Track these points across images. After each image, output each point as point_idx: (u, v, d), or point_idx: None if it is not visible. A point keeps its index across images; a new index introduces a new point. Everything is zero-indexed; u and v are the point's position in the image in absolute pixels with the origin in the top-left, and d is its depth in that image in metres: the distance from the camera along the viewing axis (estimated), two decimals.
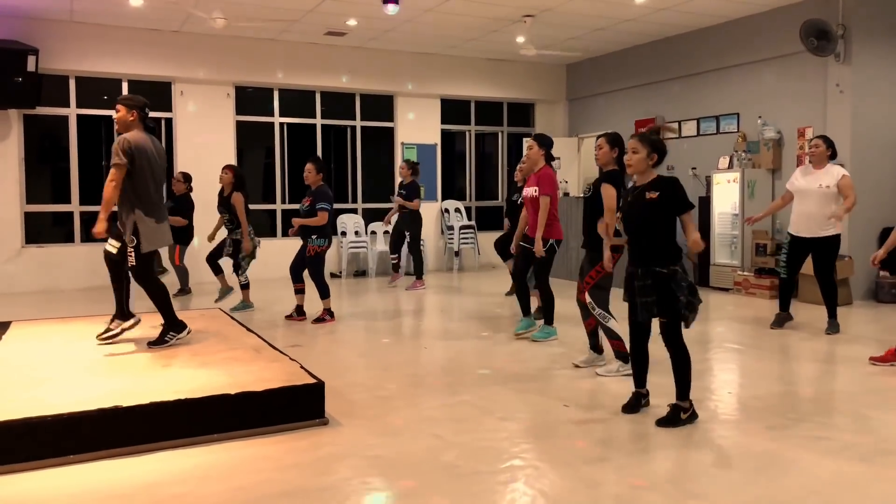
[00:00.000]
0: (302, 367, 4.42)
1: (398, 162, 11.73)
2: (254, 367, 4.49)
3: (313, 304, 7.28)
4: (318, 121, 11.42)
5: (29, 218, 9.81)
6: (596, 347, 5.32)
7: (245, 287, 7.87)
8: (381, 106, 11.83)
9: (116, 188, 4.95)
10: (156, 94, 10.35)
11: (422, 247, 10.20)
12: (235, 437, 3.78)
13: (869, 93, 8.42)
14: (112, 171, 4.95)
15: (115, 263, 5.34)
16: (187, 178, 9.15)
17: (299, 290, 7.22)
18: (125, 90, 10.10)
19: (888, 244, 5.50)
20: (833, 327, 6.53)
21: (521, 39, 10.26)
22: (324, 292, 7.09)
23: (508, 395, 4.67)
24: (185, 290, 9.07)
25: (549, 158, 6.26)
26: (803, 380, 5.21)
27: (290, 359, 4.66)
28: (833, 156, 6.54)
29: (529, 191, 6.18)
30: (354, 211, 11.74)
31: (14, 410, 3.51)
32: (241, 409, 3.85)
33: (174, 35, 10.16)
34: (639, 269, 3.99)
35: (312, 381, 4.12)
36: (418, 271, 9.75)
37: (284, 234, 11.05)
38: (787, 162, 9.19)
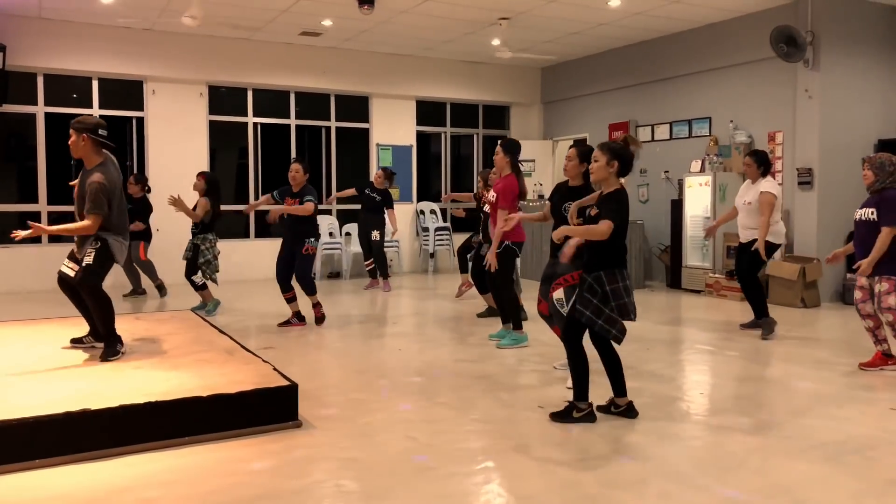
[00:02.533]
0: (275, 369, 4.38)
1: (374, 162, 11.71)
2: (226, 369, 4.44)
3: (304, 307, 7.22)
4: (293, 121, 11.35)
5: None
6: None
7: (202, 288, 7.71)
8: (356, 107, 11.80)
9: (89, 231, 4.79)
10: (127, 93, 10.23)
11: (397, 248, 10.16)
12: (207, 440, 3.73)
13: (837, 98, 8.58)
14: (92, 217, 4.75)
15: (71, 289, 5.08)
16: (140, 179, 9.00)
17: (291, 299, 7.01)
18: (95, 88, 9.95)
19: (846, 250, 5.69)
20: (766, 327, 6.55)
21: (496, 42, 10.29)
22: (310, 290, 6.95)
23: (483, 396, 4.67)
24: (138, 291, 9.03)
25: (516, 166, 6.13)
26: (774, 381, 5.28)
27: (263, 361, 4.61)
28: (765, 172, 6.70)
29: (489, 196, 6.19)
30: (329, 212, 11.68)
31: None
32: (212, 411, 3.81)
33: (146, 33, 10.02)
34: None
35: (286, 383, 4.09)
36: (384, 272, 9.80)
37: (259, 234, 10.98)
38: None
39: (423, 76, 11.97)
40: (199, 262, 7.55)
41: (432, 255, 11.89)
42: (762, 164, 6.72)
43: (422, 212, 12.18)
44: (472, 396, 4.65)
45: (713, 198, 9.34)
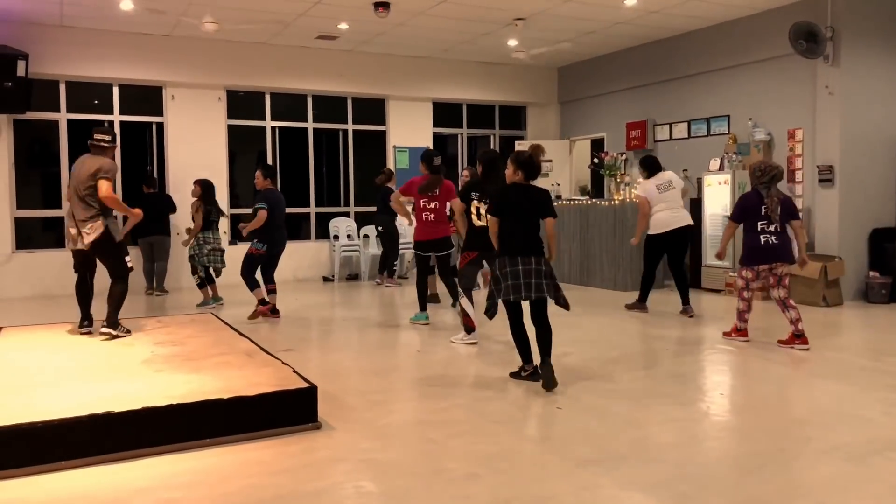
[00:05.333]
0: (294, 371, 4.41)
1: (391, 165, 11.75)
2: (246, 371, 4.48)
3: (285, 304, 7.32)
4: (310, 124, 11.41)
5: (19, 223, 9.77)
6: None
7: (200, 286, 8.51)
8: (373, 109, 11.84)
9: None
10: (147, 98, 10.35)
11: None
12: (228, 441, 3.77)
13: (858, 94, 8.47)
14: (109, 182, 5.82)
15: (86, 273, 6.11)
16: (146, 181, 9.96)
17: (271, 291, 7.57)
18: (116, 95, 10.08)
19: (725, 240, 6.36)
20: (689, 311, 7.64)
21: (512, 43, 10.28)
22: (251, 286, 7.42)
23: (501, 397, 4.67)
24: (156, 288, 9.77)
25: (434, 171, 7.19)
26: (794, 381, 5.23)
27: (283, 363, 4.65)
28: (648, 175, 7.85)
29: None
30: (347, 214, 11.73)
31: (5, 417, 3.49)
32: (233, 413, 3.84)
33: (165, 39, 10.14)
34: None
35: (305, 385, 4.12)
36: (382, 267, 10.54)
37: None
38: (778, 163, 9.19)
39: (440, 78, 11.99)
40: (195, 260, 8.38)
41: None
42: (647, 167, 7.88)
43: None
44: (490, 397, 4.66)
45: (732, 196, 9.25)
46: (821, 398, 4.68)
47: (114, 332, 5.78)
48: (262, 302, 7.46)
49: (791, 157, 9.06)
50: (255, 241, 7.41)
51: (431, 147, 12.11)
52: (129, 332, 5.88)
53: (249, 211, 10.95)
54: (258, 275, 7.50)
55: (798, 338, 5.97)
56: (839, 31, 8.35)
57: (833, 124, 8.48)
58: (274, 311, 7.55)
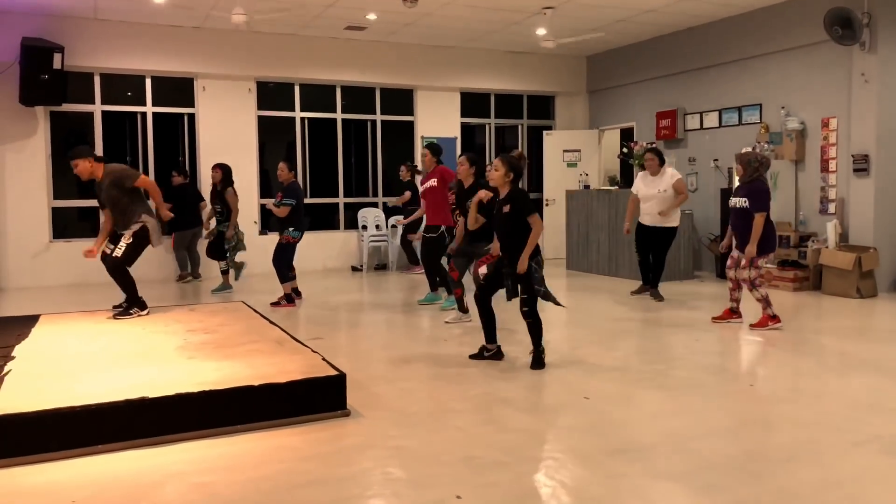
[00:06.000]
0: (324, 359, 4.47)
1: (418, 155, 11.76)
2: (276, 359, 4.54)
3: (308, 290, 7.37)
4: (339, 115, 11.47)
5: (56, 213, 9.98)
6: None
7: (224, 272, 8.74)
8: (401, 100, 11.86)
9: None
10: (178, 90, 10.48)
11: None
12: (259, 427, 3.84)
13: (895, 82, 8.28)
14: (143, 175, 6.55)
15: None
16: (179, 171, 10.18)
17: (291, 278, 7.78)
18: (149, 86, 10.22)
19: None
20: (656, 296, 7.97)
21: (541, 32, 10.22)
22: (283, 277, 7.61)
23: (530, 388, 4.69)
24: (193, 274, 10.03)
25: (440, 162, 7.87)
26: (825, 373, 5.17)
27: (313, 351, 4.71)
28: (662, 163, 8.08)
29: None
30: (375, 205, 11.79)
31: (45, 402, 3.59)
32: (264, 400, 3.91)
33: (196, 31, 10.25)
34: (507, 260, 5.08)
35: (334, 372, 4.17)
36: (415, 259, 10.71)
37: (311, 227, 11.13)
38: (811, 152, 9.08)
39: (468, 68, 11.96)
40: (226, 246, 8.56)
41: None
42: (661, 159, 8.11)
43: None
44: (517, 386, 4.67)
45: None
46: (852, 390, 4.62)
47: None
48: (288, 298, 7.65)
49: (825, 145, 8.90)
50: (291, 229, 7.56)
51: (458, 137, 12.13)
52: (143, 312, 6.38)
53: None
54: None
55: (734, 313, 6.61)
56: (876, 18, 8.17)
57: (869, 113, 8.31)
58: (290, 300, 7.74)
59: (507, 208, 5.04)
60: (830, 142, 8.82)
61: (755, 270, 6.27)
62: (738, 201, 6.39)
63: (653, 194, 7.92)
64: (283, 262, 7.63)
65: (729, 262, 6.54)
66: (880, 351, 5.62)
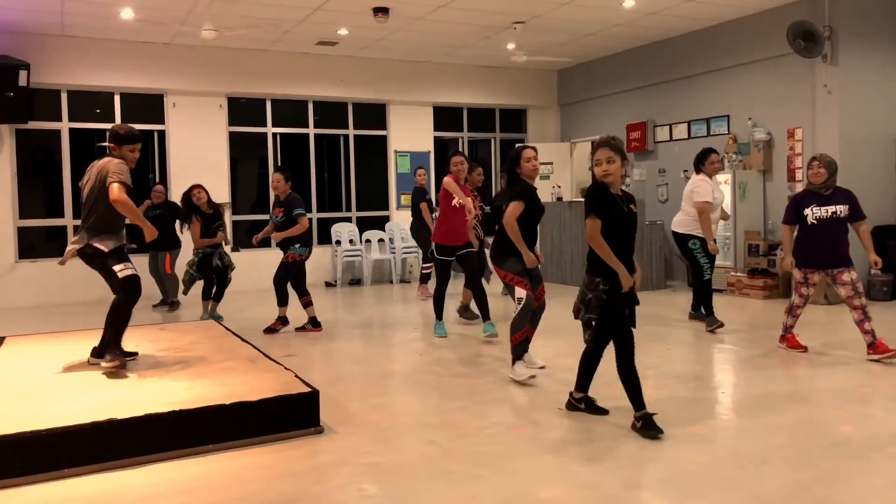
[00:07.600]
0: (297, 376, 4.43)
1: (392, 170, 11.79)
2: (248, 377, 4.49)
3: (295, 311, 7.29)
4: (311, 130, 11.45)
5: (22, 233, 9.81)
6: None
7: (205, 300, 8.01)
8: (373, 114, 11.87)
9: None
10: (148, 107, 10.39)
11: (416, 254, 10.23)
12: (231, 447, 3.78)
13: (856, 93, 8.48)
14: (121, 186, 4.69)
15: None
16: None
17: (307, 304, 7.19)
18: (117, 103, 10.12)
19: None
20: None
21: (511, 46, 10.30)
22: (282, 300, 7.07)
23: (503, 400, 4.68)
24: (168, 301, 9.04)
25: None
26: (793, 379, 5.23)
27: (285, 368, 4.66)
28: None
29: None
30: (348, 219, 11.76)
31: (8, 425, 3.51)
32: (236, 419, 3.86)
33: (165, 47, 10.18)
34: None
35: (307, 389, 4.13)
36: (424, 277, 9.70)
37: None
38: (778, 163, 9.25)
39: (440, 82, 12.02)
40: (224, 269, 8.00)
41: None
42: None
43: None
44: (492, 399, 4.67)
45: (733, 196, 9.27)
46: (827, 394, 4.68)
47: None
48: (282, 320, 7.13)
49: (791, 155, 9.07)
50: (298, 246, 6.96)
51: (432, 151, 12.15)
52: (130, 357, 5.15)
53: (252, 217, 11.07)
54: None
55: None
56: (837, 31, 8.37)
57: (832, 123, 8.49)
58: (315, 324, 7.22)
59: (633, 206, 4.12)
60: (796, 151, 8.99)
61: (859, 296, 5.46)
62: (839, 209, 5.53)
63: (719, 203, 7.12)
64: (285, 281, 7.05)
65: (806, 282, 5.70)
66: (843, 355, 5.69)
